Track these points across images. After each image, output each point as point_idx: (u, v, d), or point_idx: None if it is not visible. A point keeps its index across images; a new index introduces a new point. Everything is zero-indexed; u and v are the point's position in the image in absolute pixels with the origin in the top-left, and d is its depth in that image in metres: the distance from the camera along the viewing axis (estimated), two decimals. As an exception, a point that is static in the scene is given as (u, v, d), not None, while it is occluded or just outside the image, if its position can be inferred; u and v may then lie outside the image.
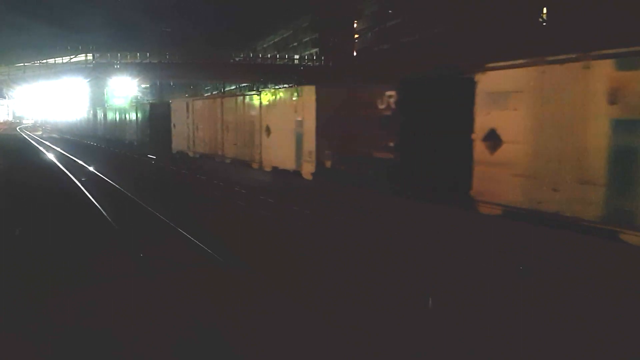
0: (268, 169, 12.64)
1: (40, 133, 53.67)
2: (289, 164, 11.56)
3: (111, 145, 29.51)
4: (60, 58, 54.21)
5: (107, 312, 4.67)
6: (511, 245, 6.26)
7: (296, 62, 63.82)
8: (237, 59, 60.64)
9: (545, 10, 33.57)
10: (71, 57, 54.06)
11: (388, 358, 3.88)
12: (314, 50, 66.15)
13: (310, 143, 10.77)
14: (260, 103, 13.02)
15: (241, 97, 14.47)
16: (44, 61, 54.61)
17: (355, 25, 59.91)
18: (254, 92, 14.01)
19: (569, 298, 4.86)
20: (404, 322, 4.40)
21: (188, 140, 18.25)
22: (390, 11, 49.81)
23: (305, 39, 68.61)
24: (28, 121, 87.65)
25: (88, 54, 53.95)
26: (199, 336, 4.20)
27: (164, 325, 4.35)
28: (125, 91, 53.19)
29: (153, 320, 4.47)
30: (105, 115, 35.49)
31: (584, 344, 4.03)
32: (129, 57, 54.24)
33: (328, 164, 10.28)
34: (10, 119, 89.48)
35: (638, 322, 4.36)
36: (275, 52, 69.56)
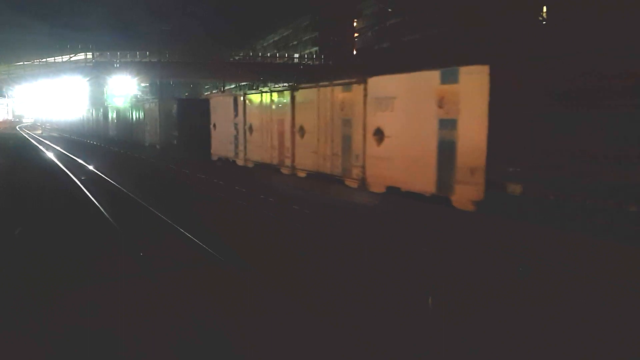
0: (377, 189, 9.89)
1: (40, 132, 53.61)
2: (423, 184, 8.60)
3: (127, 148, 25.31)
4: (60, 57, 54.24)
5: (107, 312, 4.66)
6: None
7: (296, 60, 63.81)
8: (237, 58, 60.66)
9: (545, 9, 33.55)
10: (71, 55, 54.08)
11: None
12: (314, 49, 66.16)
13: (474, 154, 7.62)
14: (365, 95, 10.18)
15: (328, 89, 11.40)
16: (44, 60, 54.64)
17: (355, 24, 59.88)
18: (351, 81, 10.75)
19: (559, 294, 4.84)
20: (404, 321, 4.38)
21: (236, 144, 15.42)
22: (390, 10, 49.78)
23: (305, 38, 68.64)
24: (28, 120, 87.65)
25: (88, 53, 54.00)
26: (199, 336, 4.19)
27: (165, 325, 4.34)
28: (125, 90, 53.16)
29: (154, 320, 4.46)
30: (118, 115, 31.48)
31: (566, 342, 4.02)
32: (128, 56, 54.26)
33: (515, 188, 6.99)
34: (10, 117, 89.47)
35: (632, 320, 4.36)
36: (275, 51, 69.54)
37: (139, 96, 54.68)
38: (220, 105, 16.79)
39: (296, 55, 65.93)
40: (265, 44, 78.39)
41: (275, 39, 76.82)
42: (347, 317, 4.47)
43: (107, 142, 30.52)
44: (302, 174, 12.47)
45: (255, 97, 14.59)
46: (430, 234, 7.39)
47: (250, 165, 14.76)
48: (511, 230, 7.36)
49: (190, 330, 4.29)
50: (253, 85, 62.79)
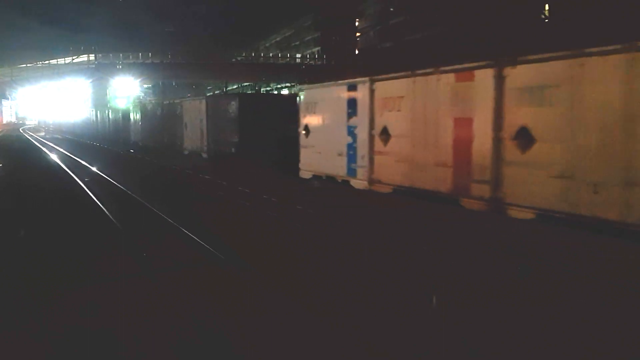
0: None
1: (43, 134, 53.77)
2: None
3: (159, 157, 20.14)
4: (63, 59, 54.52)
5: (107, 312, 4.68)
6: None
7: (298, 61, 63.87)
8: (239, 59, 60.77)
9: (547, 7, 33.50)
10: (73, 57, 54.30)
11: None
12: (315, 49, 66.18)
13: None
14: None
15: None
16: (47, 62, 54.90)
17: (357, 23, 59.88)
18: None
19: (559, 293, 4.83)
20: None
21: (353, 157, 10.97)
22: (391, 9, 49.76)
23: (308, 38, 68.68)
24: (31, 122, 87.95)
25: (90, 55, 54.15)
26: (199, 336, 4.20)
27: (165, 325, 4.35)
28: (128, 91, 53.31)
29: (154, 320, 4.47)
30: (144, 116, 26.60)
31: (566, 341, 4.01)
32: (131, 57, 54.45)
33: None
34: (13, 120, 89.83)
35: (631, 320, 4.35)
36: (278, 52, 69.63)
37: (141, 97, 54.84)
38: (322, 100, 12.12)
39: (298, 56, 66.00)
40: (267, 45, 78.46)
41: (278, 39, 76.90)
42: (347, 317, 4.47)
43: (131, 150, 24.69)
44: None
45: (396, 86, 9.91)
46: (431, 234, 7.39)
47: (387, 190, 10.14)
48: (511, 230, 7.35)
49: (190, 330, 4.29)
50: (255, 86, 62.93)
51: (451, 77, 8.69)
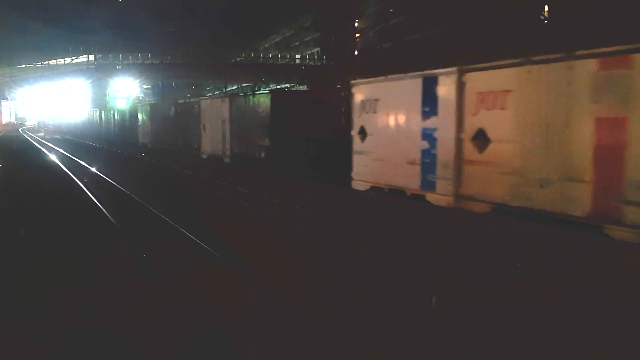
0: None
1: (42, 134, 53.75)
2: None
3: (173, 161, 18.16)
4: (62, 59, 54.45)
5: (107, 312, 4.68)
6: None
7: (298, 61, 63.88)
8: (238, 59, 60.75)
9: (546, 8, 33.52)
10: (73, 58, 54.27)
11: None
12: (315, 50, 66.18)
13: None
14: None
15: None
16: (46, 62, 54.86)
17: (356, 24, 59.89)
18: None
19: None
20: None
21: (430, 167, 8.93)
22: (391, 10, 49.78)
23: (307, 39, 68.64)
24: (30, 122, 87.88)
25: (90, 55, 54.11)
26: (199, 336, 4.20)
27: (165, 325, 4.35)
28: (127, 92, 53.30)
29: (154, 320, 4.47)
30: (152, 116, 24.34)
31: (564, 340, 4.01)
32: (130, 57, 54.42)
33: None
34: (12, 120, 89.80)
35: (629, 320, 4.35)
36: (277, 52, 69.63)
37: (141, 98, 54.83)
38: (384, 98, 10.12)
39: (298, 56, 66.00)
40: (267, 45, 78.44)
41: (277, 39, 76.87)
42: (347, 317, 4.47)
43: (142, 153, 22.73)
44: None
45: (496, 77, 7.99)
46: (430, 234, 7.39)
47: (478, 208, 8.20)
48: (511, 230, 7.36)
49: (190, 330, 4.29)
50: (255, 86, 62.93)
51: (592, 64, 6.69)
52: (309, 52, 67.52)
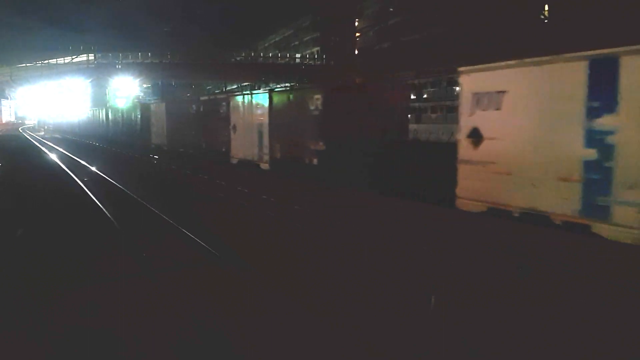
0: None
1: (42, 134, 53.69)
2: None
3: (192, 165, 16.44)
4: (62, 58, 54.40)
5: (107, 312, 4.67)
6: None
7: (297, 61, 63.89)
8: (238, 59, 60.73)
9: (546, 7, 33.52)
10: (73, 57, 54.22)
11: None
12: (315, 49, 66.19)
13: None
14: None
15: None
16: (46, 62, 54.81)
17: (356, 23, 59.90)
18: None
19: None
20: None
21: (602, 186, 6.50)
22: (391, 9, 49.78)
23: (307, 38, 68.67)
24: (30, 122, 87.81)
25: (90, 54, 54.08)
26: (199, 336, 4.20)
27: (165, 325, 4.35)
28: (127, 91, 53.25)
29: (154, 320, 4.47)
30: (170, 114, 21.66)
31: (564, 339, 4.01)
32: (130, 57, 54.40)
33: None
34: (12, 119, 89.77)
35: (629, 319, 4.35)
36: (277, 52, 69.63)
37: (141, 97, 54.80)
38: (514, 90, 7.63)
39: (297, 56, 66.00)
40: (266, 45, 78.46)
41: (277, 39, 76.87)
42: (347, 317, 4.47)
43: (155, 156, 20.78)
44: None
45: None
46: (430, 234, 7.38)
47: None
48: (511, 230, 7.36)
49: (190, 330, 4.29)
50: (254, 86, 62.93)
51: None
52: (308, 51, 67.51)
